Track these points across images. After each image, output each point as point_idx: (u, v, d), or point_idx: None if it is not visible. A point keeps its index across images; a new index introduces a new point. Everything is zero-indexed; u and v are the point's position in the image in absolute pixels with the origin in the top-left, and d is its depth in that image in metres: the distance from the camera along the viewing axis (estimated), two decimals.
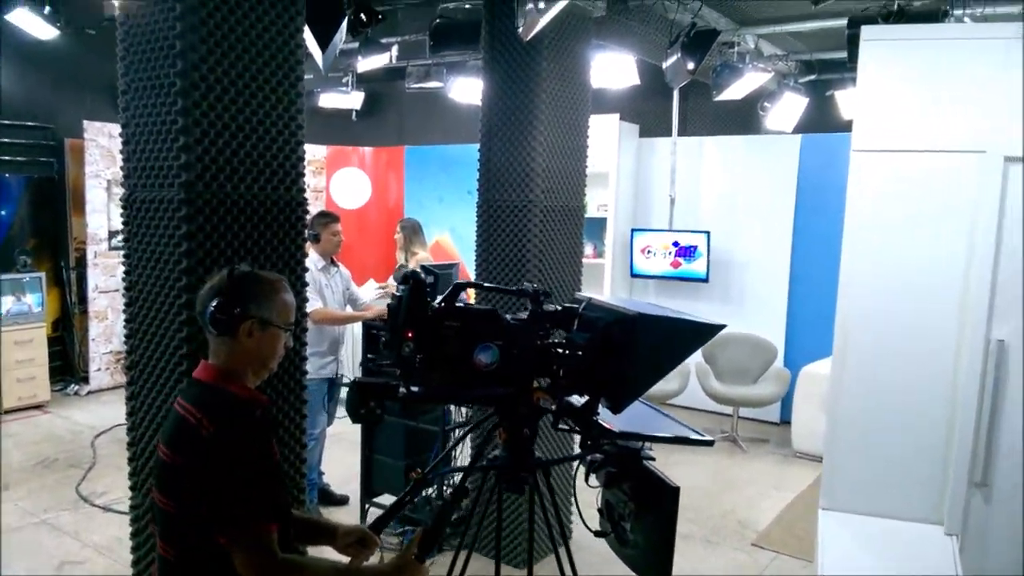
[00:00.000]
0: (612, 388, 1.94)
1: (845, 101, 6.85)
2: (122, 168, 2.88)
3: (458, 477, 3.69)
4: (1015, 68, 3.18)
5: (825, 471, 3.61)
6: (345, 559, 2.03)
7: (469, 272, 5.90)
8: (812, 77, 7.16)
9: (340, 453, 5.59)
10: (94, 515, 4.98)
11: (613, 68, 6.18)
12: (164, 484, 1.85)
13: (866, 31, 3.43)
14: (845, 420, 3.53)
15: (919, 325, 3.39)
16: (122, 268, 2.94)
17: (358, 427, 4.83)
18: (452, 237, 9.01)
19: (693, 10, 5.18)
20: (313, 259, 4.74)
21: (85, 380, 7.86)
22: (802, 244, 7.16)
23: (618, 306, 1.98)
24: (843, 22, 4.95)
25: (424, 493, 4.53)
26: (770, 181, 7.29)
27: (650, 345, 1.89)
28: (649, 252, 7.69)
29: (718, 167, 7.64)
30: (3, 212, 7.47)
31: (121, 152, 2.87)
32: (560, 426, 2.10)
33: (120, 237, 2.94)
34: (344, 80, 8.65)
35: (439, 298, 1.97)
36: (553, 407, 2.06)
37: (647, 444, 2.03)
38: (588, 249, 7.60)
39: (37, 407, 7.23)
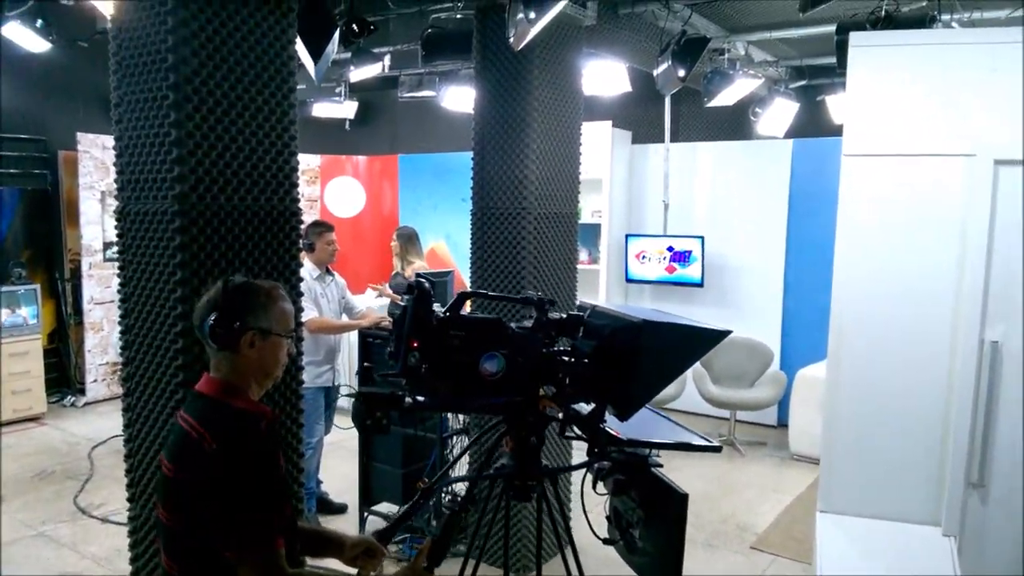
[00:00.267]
0: (618, 396, 1.94)
1: (836, 106, 6.89)
2: (116, 181, 2.89)
3: (460, 485, 3.69)
4: (1004, 72, 3.21)
5: (822, 474, 3.62)
6: (352, 570, 2.03)
7: (464, 280, 5.91)
8: (803, 82, 7.19)
9: (338, 462, 5.59)
10: (92, 527, 4.96)
11: (605, 75, 6.21)
12: (168, 500, 1.83)
13: (855, 37, 3.46)
14: (841, 423, 3.55)
15: (913, 327, 3.41)
16: (117, 280, 2.95)
17: (355, 435, 4.84)
18: (448, 244, 9.02)
19: (683, 18, 5.21)
20: (308, 268, 4.75)
21: (81, 392, 7.84)
22: (796, 247, 7.19)
23: (623, 313, 1.98)
24: (832, 28, 4.98)
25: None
26: (763, 186, 7.31)
27: (656, 352, 1.89)
28: (644, 257, 7.71)
29: (711, 172, 7.66)
30: None
31: (115, 165, 2.88)
32: (567, 434, 2.10)
33: (115, 248, 2.95)
34: (337, 90, 8.66)
35: (443, 308, 1.97)
36: (560, 415, 2.06)
37: (654, 451, 2.03)
38: (583, 255, 7.62)
39: (33, 419, 7.21)
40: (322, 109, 8.76)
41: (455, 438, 4.62)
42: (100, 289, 7.77)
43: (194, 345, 2.67)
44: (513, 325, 2.01)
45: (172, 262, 2.67)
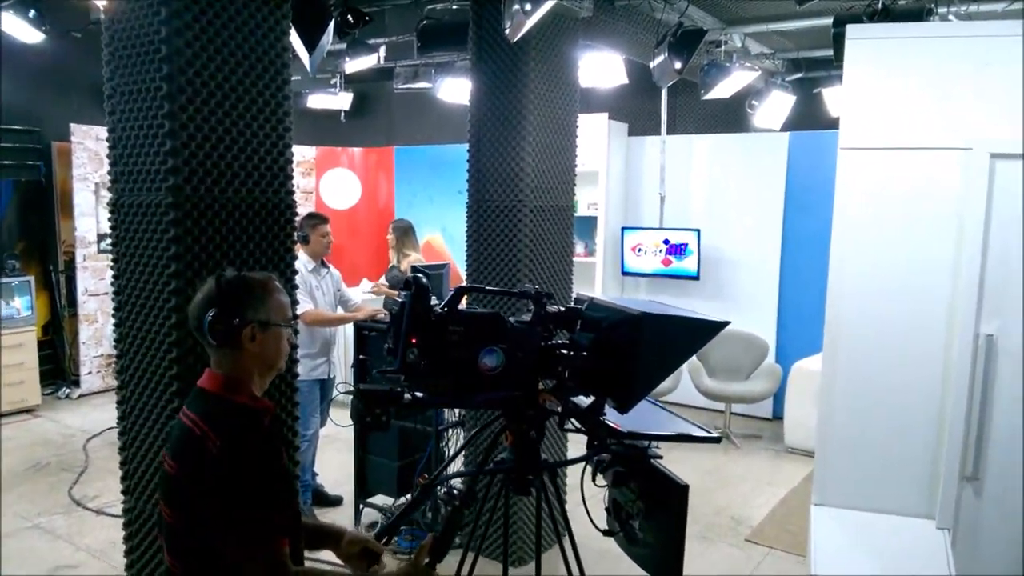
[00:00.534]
0: (617, 388, 1.93)
1: (832, 98, 6.88)
2: (109, 172, 2.87)
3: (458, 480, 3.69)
4: (1000, 65, 3.20)
5: (817, 467, 3.63)
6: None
7: (460, 272, 5.90)
8: (799, 75, 7.19)
9: (333, 454, 5.59)
10: (87, 519, 4.96)
11: (601, 67, 6.19)
12: (170, 497, 1.81)
13: (851, 30, 3.45)
14: (837, 416, 3.56)
15: (908, 320, 3.42)
16: (111, 272, 2.93)
17: (351, 428, 4.84)
18: (444, 237, 9.01)
19: (680, 9, 5.19)
20: (303, 261, 4.74)
21: (76, 383, 7.82)
22: (792, 240, 7.19)
23: (621, 306, 1.97)
24: (829, 21, 4.98)
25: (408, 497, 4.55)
26: (759, 179, 7.31)
27: (654, 344, 1.88)
28: (640, 250, 7.71)
29: (707, 165, 7.66)
30: None
31: (108, 157, 2.86)
32: (566, 427, 2.10)
33: (109, 240, 2.93)
34: (332, 81, 8.64)
35: (441, 303, 1.96)
36: (559, 408, 2.06)
37: (654, 442, 2.03)
38: (579, 248, 7.61)
39: (28, 411, 7.20)
40: (317, 100, 8.73)
41: (451, 431, 4.62)
42: (94, 281, 7.75)
43: (188, 337, 2.66)
44: (511, 319, 2.01)
45: (166, 254, 2.65)
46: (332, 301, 5.02)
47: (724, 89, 6.35)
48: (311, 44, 3.97)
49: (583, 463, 2.15)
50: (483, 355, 1.91)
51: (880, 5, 4.35)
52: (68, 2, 5.82)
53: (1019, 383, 3.32)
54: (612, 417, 1.98)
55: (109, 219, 2.89)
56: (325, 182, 9.61)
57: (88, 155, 7.59)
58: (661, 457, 2.02)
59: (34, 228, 7.76)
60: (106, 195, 3.45)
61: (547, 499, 2.20)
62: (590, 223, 7.82)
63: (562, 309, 2.06)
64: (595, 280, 7.83)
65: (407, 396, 1.90)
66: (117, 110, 2.78)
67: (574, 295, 3.54)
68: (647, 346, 1.87)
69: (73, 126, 7.50)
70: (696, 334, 2.01)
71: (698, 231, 7.39)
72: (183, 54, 2.58)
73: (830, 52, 5.09)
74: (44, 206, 7.79)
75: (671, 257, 7.56)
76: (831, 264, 3.52)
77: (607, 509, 2.18)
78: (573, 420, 2.07)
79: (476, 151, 4.31)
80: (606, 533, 2.15)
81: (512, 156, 4.17)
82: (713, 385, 6.78)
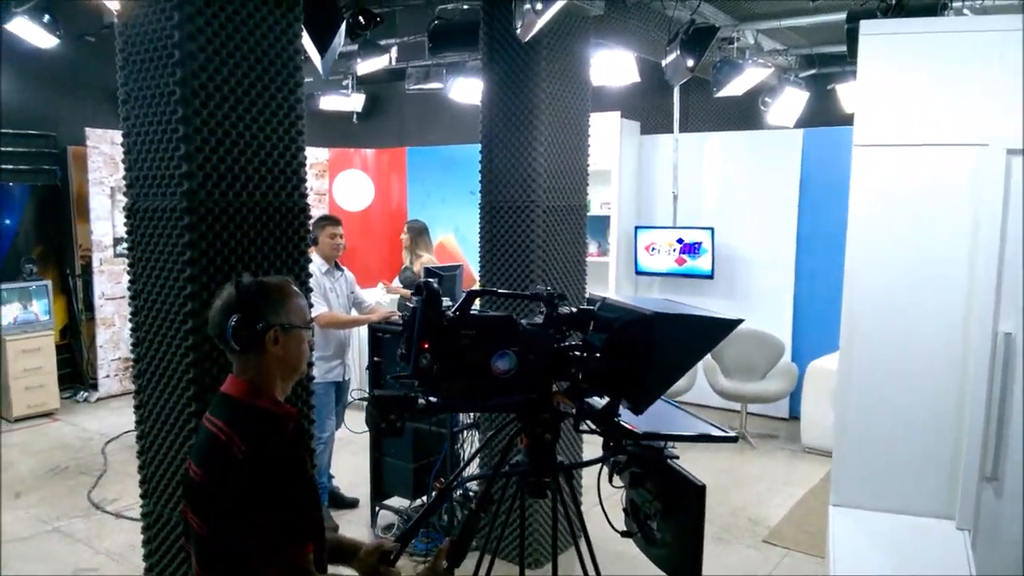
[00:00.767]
0: (632, 388, 1.92)
1: (846, 95, 6.83)
2: (125, 177, 2.89)
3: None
4: (1016, 60, 3.17)
5: (835, 467, 3.60)
6: None
7: (473, 273, 5.91)
8: (813, 71, 7.14)
9: (349, 456, 5.60)
10: (106, 522, 5.00)
11: (613, 66, 6.16)
12: (197, 504, 1.80)
13: (865, 25, 3.42)
14: (854, 415, 3.52)
15: (926, 318, 3.38)
16: (127, 276, 2.95)
17: (366, 430, 4.85)
18: (456, 238, 9.01)
19: (692, 7, 5.16)
20: (317, 263, 4.75)
21: (94, 387, 7.88)
22: (807, 238, 7.14)
23: (634, 305, 1.96)
24: (842, 16, 4.94)
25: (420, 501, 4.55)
26: (773, 176, 7.27)
27: (668, 343, 1.87)
28: (653, 249, 7.68)
29: (720, 163, 7.62)
30: (8, 221, 7.50)
31: (123, 162, 2.88)
32: (581, 428, 2.09)
33: (125, 244, 2.95)
34: (344, 83, 8.65)
35: (454, 307, 1.96)
36: (573, 410, 2.05)
37: (670, 443, 2.02)
38: (592, 247, 7.59)
39: (47, 415, 7.26)
40: (329, 102, 8.75)
41: (465, 432, 4.62)
42: (111, 284, 7.80)
43: (205, 341, 2.67)
44: (524, 322, 2.00)
45: (181, 259, 2.66)
46: (346, 303, 5.03)
47: (737, 86, 6.31)
48: (323, 46, 3.97)
49: (599, 464, 2.14)
50: (496, 358, 1.90)
51: (894, 0, 4.31)
52: (82, 7, 5.87)
53: None
54: (627, 418, 1.97)
55: (125, 224, 2.91)
56: (338, 184, 9.63)
57: (103, 159, 7.65)
58: (677, 457, 2.01)
59: (51, 232, 7.82)
60: (121, 199, 3.47)
61: (563, 501, 2.20)
62: (603, 222, 7.80)
63: (574, 310, 2.05)
64: (609, 280, 7.81)
65: (421, 401, 1.90)
66: (132, 115, 2.79)
67: (587, 295, 3.52)
68: (660, 346, 1.86)
69: (88, 130, 7.55)
70: (710, 332, 1.99)
71: (712, 229, 7.36)
72: (196, 58, 2.59)
73: (844, 48, 5.05)
74: (60, 210, 7.85)
75: (685, 256, 7.53)
76: (847, 262, 3.49)
77: (625, 510, 2.17)
78: (588, 422, 2.06)
79: (488, 151, 4.31)
80: (624, 534, 2.14)
81: (524, 156, 4.16)
82: (729, 385, 6.74)
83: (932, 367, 3.38)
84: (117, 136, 3.06)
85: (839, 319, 3.53)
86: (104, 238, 7.76)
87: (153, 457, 2.92)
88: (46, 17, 5.50)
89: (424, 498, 4.67)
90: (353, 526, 4.84)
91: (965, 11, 4.64)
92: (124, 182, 2.90)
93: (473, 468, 4.37)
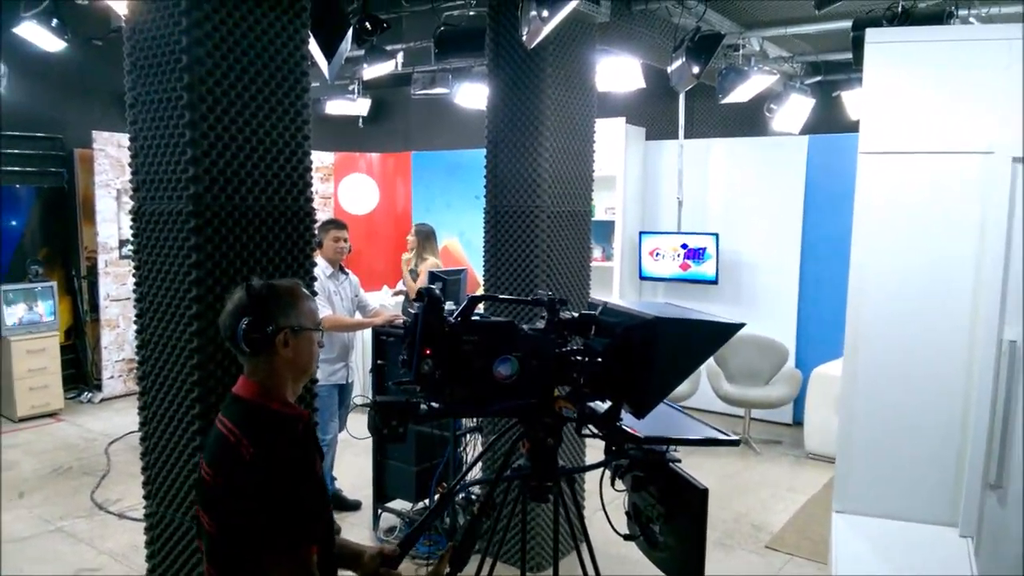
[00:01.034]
0: (634, 393, 1.93)
1: (852, 102, 6.83)
2: (131, 181, 2.90)
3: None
4: (1021, 68, 3.17)
5: (838, 473, 3.59)
6: None
7: (478, 277, 5.91)
8: (818, 78, 7.15)
9: (351, 459, 5.60)
10: (109, 522, 5.00)
11: (618, 72, 6.18)
12: (208, 505, 1.83)
13: (871, 34, 3.43)
14: (857, 422, 3.52)
15: (930, 326, 3.38)
16: (133, 279, 2.96)
17: (367, 434, 4.86)
18: (461, 242, 9.02)
19: (697, 14, 5.18)
20: (322, 266, 4.76)
21: (98, 388, 7.90)
22: (811, 245, 7.14)
23: (635, 310, 1.96)
24: (848, 24, 4.94)
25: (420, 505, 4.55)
26: (778, 182, 7.27)
27: (670, 348, 1.87)
28: (658, 255, 7.68)
29: (725, 169, 7.62)
30: (14, 223, 7.52)
31: (130, 165, 2.90)
32: (584, 433, 2.10)
33: (130, 246, 2.97)
34: (350, 87, 8.68)
35: (456, 312, 1.96)
36: (575, 415, 2.06)
37: (672, 446, 2.02)
38: (596, 252, 7.60)
39: (51, 415, 7.28)
40: (335, 106, 8.78)
41: (468, 436, 4.62)
42: (116, 286, 7.83)
43: (209, 344, 2.69)
44: (525, 327, 2.00)
45: (187, 262, 2.68)
46: (350, 306, 5.05)
47: (742, 93, 6.32)
48: (330, 51, 3.99)
49: (601, 468, 2.15)
50: (498, 364, 1.91)
51: (900, 8, 4.32)
52: (90, 11, 5.90)
53: None
54: (629, 422, 1.98)
55: (131, 227, 2.92)
56: (343, 188, 9.65)
57: (110, 162, 7.67)
58: (680, 461, 2.01)
59: (57, 234, 7.85)
60: (127, 201, 3.49)
61: (564, 505, 2.20)
62: (608, 228, 7.81)
63: (575, 315, 2.06)
64: (613, 285, 7.81)
65: (423, 407, 1.91)
66: (139, 119, 2.81)
67: (589, 300, 3.52)
68: (662, 350, 1.86)
69: (95, 133, 7.58)
70: (712, 336, 2.00)
71: (716, 235, 7.36)
72: (204, 63, 2.61)
73: (849, 55, 5.05)
74: (66, 212, 7.88)
75: (689, 262, 7.53)
76: (852, 269, 3.49)
77: (627, 513, 2.17)
78: (590, 426, 2.06)
79: (493, 156, 4.32)
80: (627, 538, 2.14)
81: (529, 161, 4.17)
82: (732, 390, 6.74)
83: (936, 374, 3.38)
84: (124, 139, 3.08)
85: (843, 325, 3.53)
86: (110, 240, 7.78)
87: (157, 458, 2.93)
88: (54, 21, 5.53)
89: (426, 501, 4.67)
90: (355, 529, 4.85)
91: (971, 20, 4.64)
92: (131, 185, 2.91)
93: (476, 472, 4.38)
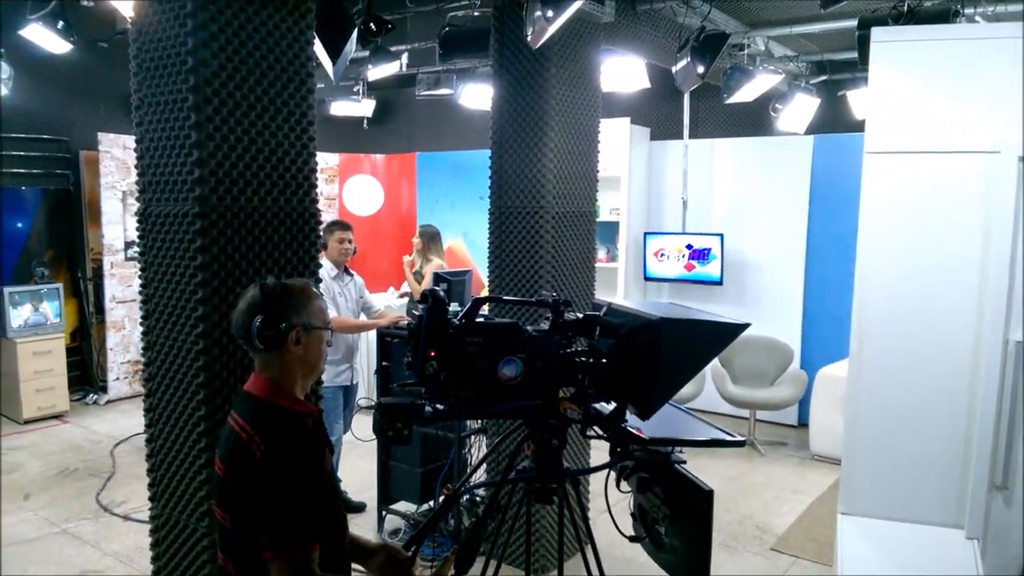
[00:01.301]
0: (639, 394, 1.93)
1: (857, 101, 6.81)
2: (137, 182, 2.91)
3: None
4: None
5: (843, 475, 3.58)
6: None
7: (482, 278, 5.91)
8: (823, 78, 7.13)
9: (356, 460, 5.61)
10: (114, 524, 5.01)
11: (623, 72, 6.18)
12: (221, 499, 1.89)
13: (876, 32, 3.41)
14: (863, 423, 3.51)
15: (936, 327, 3.37)
16: (139, 280, 2.97)
17: (372, 435, 4.86)
18: (465, 243, 9.02)
19: (702, 13, 5.17)
20: (327, 268, 4.77)
21: (103, 389, 7.92)
22: (817, 245, 7.12)
23: (640, 311, 1.96)
24: (853, 23, 4.93)
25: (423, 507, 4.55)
26: (783, 182, 7.25)
27: (675, 349, 1.87)
28: (662, 255, 7.67)
29: (730, 169, 7.61)
30: (20, 224, 7.55)
31: (136, 167, 2.90)
32: (589, 434, 2.09)
33: (136, 248, 2.97)
34: (355, 88, 8.68)
35: (461, 313, 1.97)
36: (580, 416, 2.05)
37: (678, 447, 2.02)
38: (601, 253, 7.59)
39: (56, 417, 7.30)
40: (340, 108, 8.79)
41: (473, 437, 4.62)
42: (121, 288, 7.85)
43: (215, 346, 2.69)
44: (530, 328, 2.00)
45: (193, 264, 2.68)
46: (355, 308, 5.05)
47: (747, 92, 6.31)
48: (335, 53, 3.99)
49: (606, 470, 2.14)
50: (502, 365, 1.92)
51: (906, 7, 4.30)
52: (95, 13, 5.91)
53: None
54: (634, 423, 1.97)
55: (137, 228, 2.93)
56: (348, 189, 9.66)
57: (115, 164, 7.69)
58: (685, 462, 2.01)
59: (62, 236, 7.87)
60: (133, 203, 3.49)
61: (569, 506, 2.20)
62: (612, 228, 7.80)
63: (580, 316, 2.05)
64: (617, 286, 7.80)
65: (428, 409, 1.91)
66: (145, 121, 2.81)
67: (594, 301, 3.51)
68: (667, 350, 1.86)
69: (100, 135, 7.60)
70: (716, 337, 2.00)
71: (721, 236, 7.35)
72: (209, 65, 2.61)
73: (855, 54, 5.04)
74: (72, 214, 7.90)
75: (694, 262, 7.52)
76: (857, 269, 3.48)
77: (633, 515, 2.17)
78: (595, 427, 2.06)
79: (498, 157, 4.31)
80: (632, 539, 2.14)
81: (534, 161, 4.17)
82: (737, 392, 6.72)
83: (942, 375, 3.37)
84: (129, 141, 3.09)
85: (848, 326, 3.52)
86: (115, 242, 7.80)
87: (162, 460, 2.93)
88: (60, 23, 5.53)
89: (431, 503, 4.67)
90: (359, 531, 4.81)
91: (977, 18, 4.63)
92: (136, 187, 2.92)
93: (480, 474, 4.38)
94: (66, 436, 6.84)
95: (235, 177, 2.72)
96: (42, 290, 7.37)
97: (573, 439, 4.27)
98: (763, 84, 6.30)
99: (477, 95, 7.19)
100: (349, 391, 5.06)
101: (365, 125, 9.49)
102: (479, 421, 4.56)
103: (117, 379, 7.91)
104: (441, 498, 4.45)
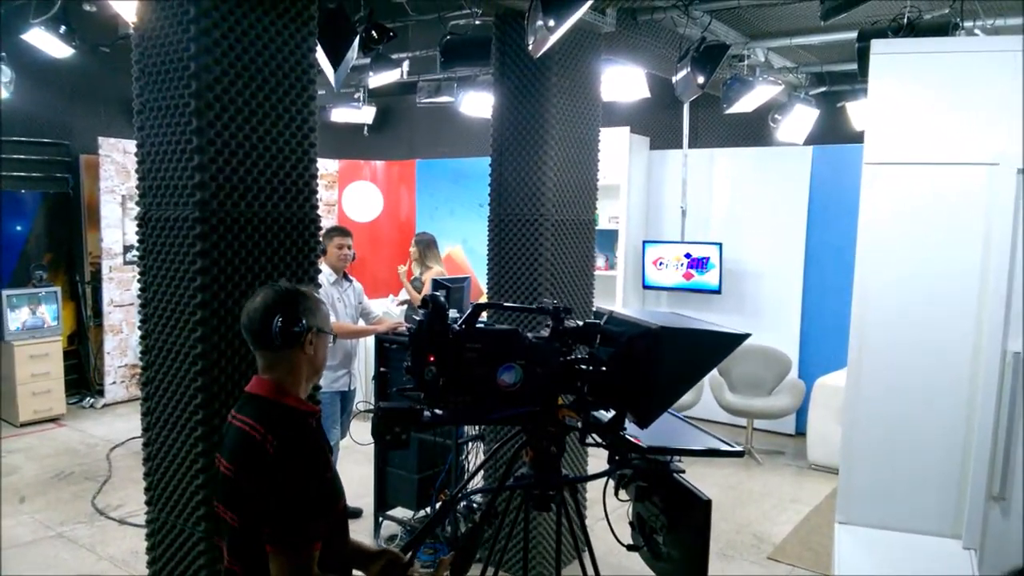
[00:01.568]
0: (638, 402, 1.93)
1: (856, 112, 6.84)
2: (137, 187, 2.91)
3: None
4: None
5: (841, 484, 3.58)
6: None
7: (481, 285, 5.91)
8: (823, 89, 7.15)
9: (353, 466, 5.60)
10: (110, 528, 5.00)
11: (623, 81, 6.20)
12: (229, 499, 1.89)
13: (876, 44, 3.43)
14: (861, 433, 3.51)
15: (934, 337, 3.38)
16: (138, 284, 2.97)
17: (371, 441, 4.85)
18: (464, 250, 9.03)
19: (703, 24, 5.19)
20: (325, 273, 4.77)
21: (100, 393, 7.91)
22: (815, 255, 7.14)
23: (640, 319, 1.96)
24: (853, 35, 4.95)
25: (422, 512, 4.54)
26: (782, 193, 7.27)
27: (674, 358, 1.87)
28: (661, 264, 7.68)
29: (729, 179, 7.63)
30: (19, 227, 7.55)
31: (136, 171, 2.91)
32: (587, 441, 2.10)
33: (134, 252, 2.98)
34: (356, 95, 8.70)
35: (459, 317, 1.97)
36: (579, 423, 2.06)
37: (676, 456, 2.02)
38: (600, 261, 7.60)
39: (53, 420, 7.28)
40: (340, 114, 8.81)
41: (470, 444, 4.62)
42: (120, 292, 7.84)
43: (213, 351, 2.69)
44: (529, 335, 2.01)
45: (192, 268, 2.68)
46: (354, 314, 5.05)
47: (747, 103, 6.33)
48: (336, 60, 4.01)
49: (605, 478, 2.14)
50: (501, 371, 1.92)
51: (905, 19, 4.32)
52: (98, 18, 5.92)
53: None
54: (633, 431, 1.98)
55: (137, 232, 2.93)
56: (347, 195, 9.67)
57: (115, 168, 7.70)
58: (683, 471, 2.01)
59: (61, 240, 7.87)
60: (132, 207, 3.49)
61: (567, 514, 2.19)
62: (611, 237, 7.81)
63: (580, 324, 2.06)
64: (616, 294, 7.81)
65: (426, 414, 1.92)
66: (146, 125, 2.82)
67: (594, 309, 3.52)
68: (666, 359, 1.86)
69: (101, 139, 7.61)
70: (716, 346, 1.99)
71: (720, 245, 7.36)
72: (211, 71, 2.62)
73: (854, 65, 5.05)
74: (71, 218, 7.90)
75: (693, 271, 7.53)
76: (856, 279, 3.49)
77: (631, 523, 2.17)
78: (593, 435, 2.06)
79: (498, 165, 4.32)
80: (630, 548, 2.13)
81: (534, 170, 4.18)
82: (735, 400, 6.72)
83: (940, 385, 3.37)
84: (129, 145, 3.09)
85: (847, 336, 3.53)
86: (114, 246, 7.80)
87: (159, 464, 2.93)
88: (62, 28, 5.55)
89: (428, 509, 4.67)
90: (356, 536, 4.80)
91: (976, 31, 4.65)
92: (137, 191, 2.92)
93: (478, 480, 4.38)
94: (62, 439, 6.83)
95: (235, 182, 2.72)
96: (40, 293, 7.37)
97: (571, 446, 4.26)
98: (763, 95, 6.32)
99: (477, 103, 7.21)
100: (347, 397, 5.06)
101: (365, 132, 9.52)
102: (477, 428, 4.56)
103: (114, 383, 7.90)
104: (438, 504, 4.44)
